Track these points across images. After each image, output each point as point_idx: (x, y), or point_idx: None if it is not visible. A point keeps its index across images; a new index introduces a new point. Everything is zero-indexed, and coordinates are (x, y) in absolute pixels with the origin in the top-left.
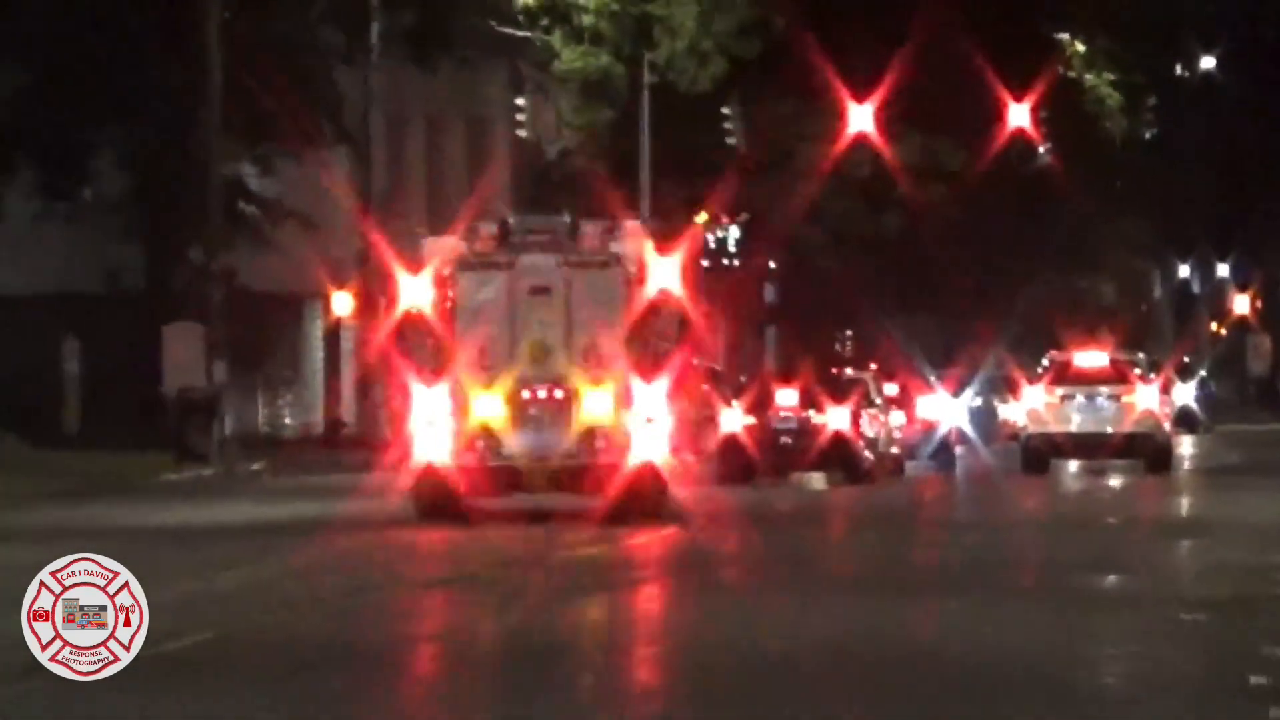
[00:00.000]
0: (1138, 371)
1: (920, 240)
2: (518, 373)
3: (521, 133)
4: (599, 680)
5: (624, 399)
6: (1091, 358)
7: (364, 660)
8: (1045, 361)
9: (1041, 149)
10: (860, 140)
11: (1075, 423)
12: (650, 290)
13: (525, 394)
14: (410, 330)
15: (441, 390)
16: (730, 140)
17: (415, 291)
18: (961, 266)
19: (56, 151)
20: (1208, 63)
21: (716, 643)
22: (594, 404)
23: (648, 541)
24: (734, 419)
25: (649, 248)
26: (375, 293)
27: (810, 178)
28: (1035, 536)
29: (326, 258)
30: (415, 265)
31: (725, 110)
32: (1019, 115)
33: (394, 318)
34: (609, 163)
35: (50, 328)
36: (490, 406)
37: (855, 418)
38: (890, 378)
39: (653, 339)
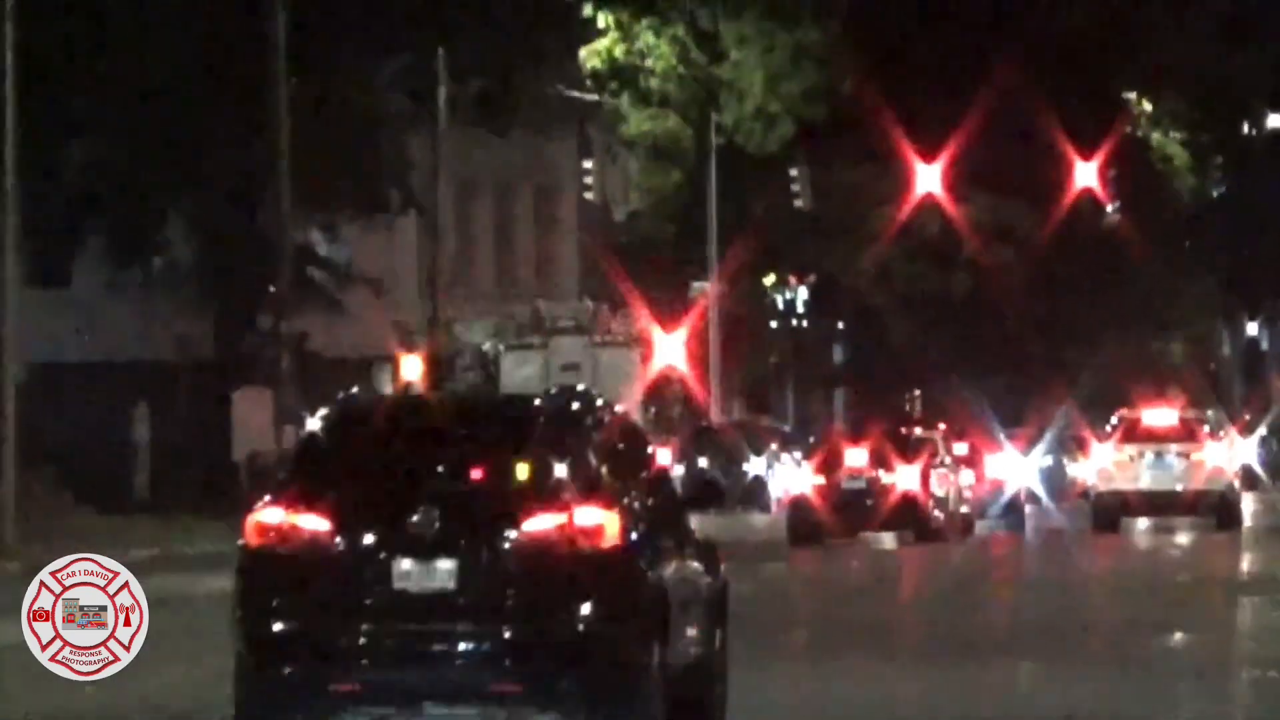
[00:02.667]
0: (1207, 429)
1: (989, 301)
2: None
3: (590, 196)
4: None
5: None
6: (1161, 415)
7: None
8: (1114, 419)
9: (1109, 208)
10: (928, 201)
11: (1145, 480)
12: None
13: None
14: None
15: None
16: (798, 202)
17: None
18: (1030, 327)
19: (127, 220)
20: (1275, 121)
21: (782, 709)
22: None
23: None
24: (803, 479)
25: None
26: (442, 356)
27: (878, 239)
28: (1105, 596)
29: (395, 322)
30: None
31: (793, 172)
32: (1086, 175)
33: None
34: (678, 225)
35: (121, 395)
36: None
37: (924, 477)
38: (959, 437)
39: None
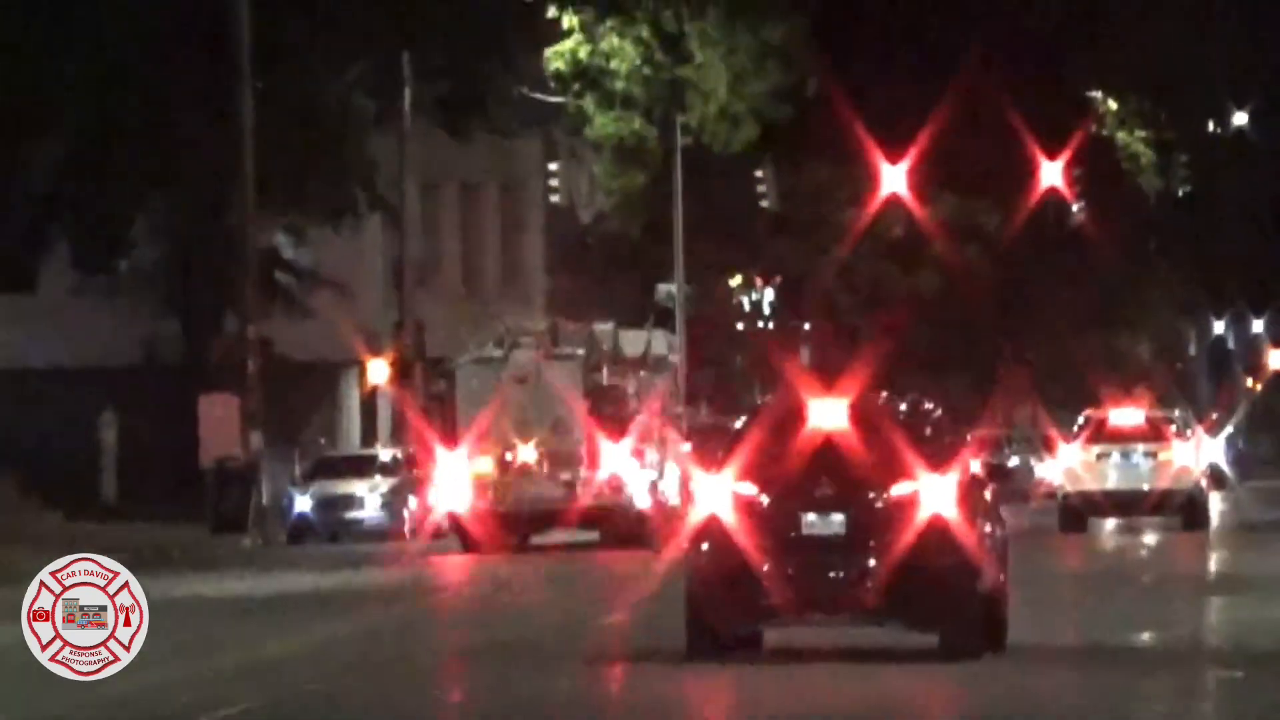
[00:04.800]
0: (1174, 428)
1: (955, 301)
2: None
3: (555, 198)
4: None
5: (595, 458)
6: (1127, 415)
7: None
8: (1081, 419)
9: (1075, 207)
10: (893, 201)
11: (1112, 480)
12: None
13: (508, 456)
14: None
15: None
16: (764, 203)
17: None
18: (996, 326)
19: (92, 224)
20: (1240, 119)
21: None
22: (565, 463)
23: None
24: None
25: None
26: (410, 359)
27: (844, 239)
28: (1071, 595)
29: (362, 325)
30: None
31: (758, 173)
32: (1052, 174)
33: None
34: (643, 227)
35: (87, 400)
36: (487, 466)
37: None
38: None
39: (619, 411)
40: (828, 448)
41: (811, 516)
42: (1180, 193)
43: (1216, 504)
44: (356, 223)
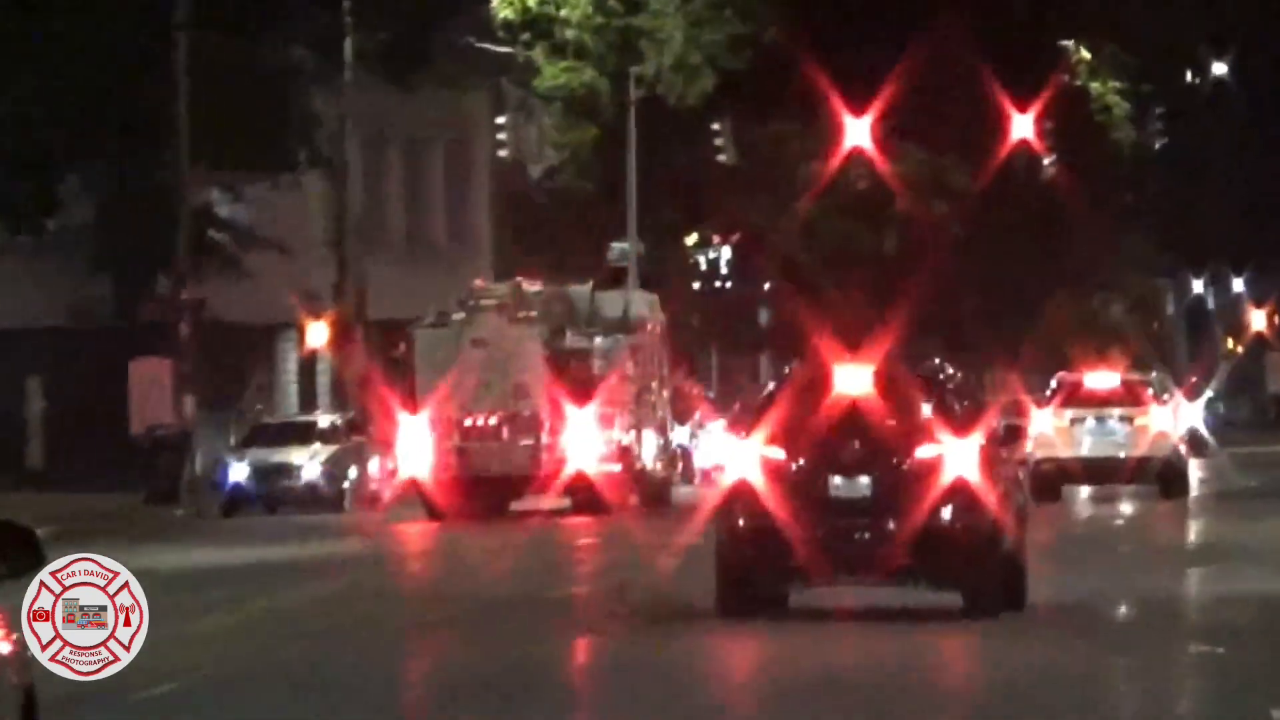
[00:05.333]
0: (1151, 392)
1: (922, 260)
2: (463, 406)
3: (504, 153)
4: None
5: (558, 423)
6: (1102, 378)
7: (348, 696)
8: (1054, 383)
9: (1047, 161)
10: (857, 155)
11: (1086, 447)
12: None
13: (469, 422)
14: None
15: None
16: (721, 157)
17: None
18: (965, 286)
19: (19, 181)
20: (1219, 69)
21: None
22: (527, 428)
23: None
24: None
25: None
26: (351, 322)
27: (805, 195)
28: (1045, 566)
29: (301, 287)
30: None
31: (715, 126)
32: (1023, 126)
33: None
34: (595, 182)
35: (12, 364)
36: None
37: None
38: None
39: (584, 375)
40: (854, 412)
41: (838, 480)
42: (1157, 146)
43: (1196, 471)
44: (296, 179)
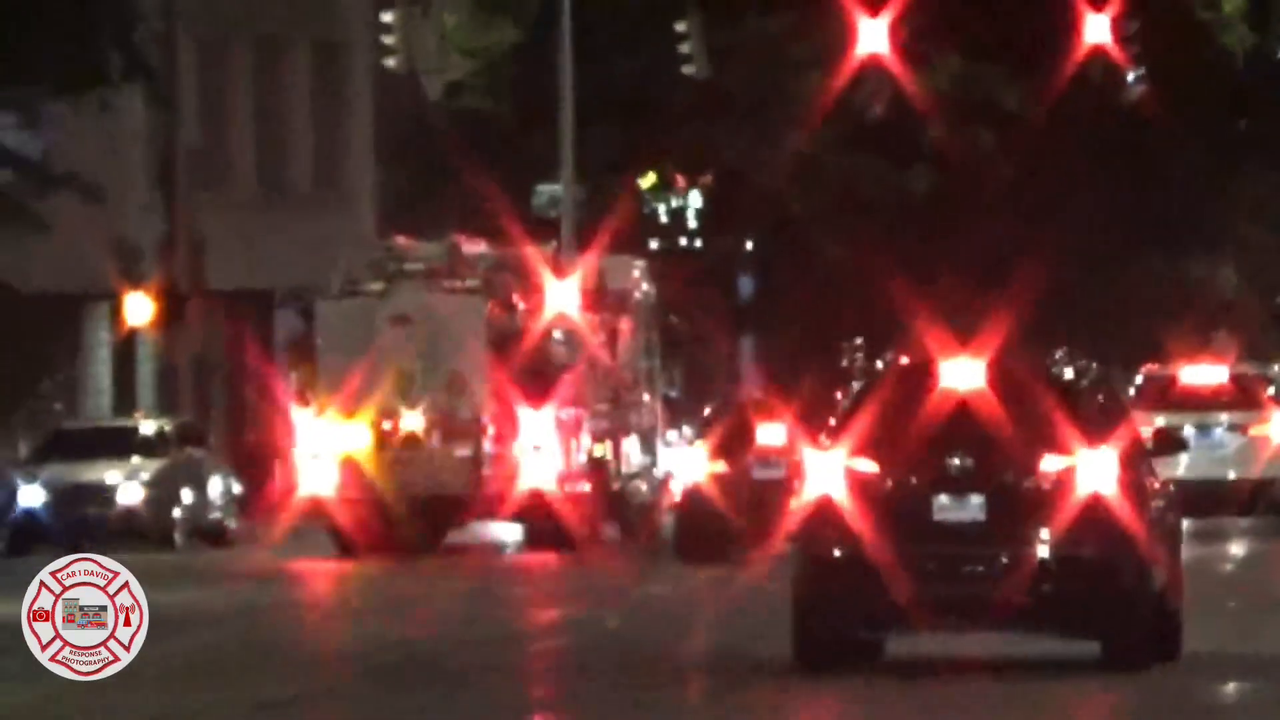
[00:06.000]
0: (1272, 392)
1: (961, 209)
2: (381, 404)
3: (390, 62)
4: None
5: (507, 428)
6: (1205, 373)
7: None
8: (1139, 379)
9: (1131, 76)
10: (873, 67)
11: (1182, 465)
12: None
13: (387, 425)
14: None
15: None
16: (688, 69)
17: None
18: (1021, 246)
19: None
20: None
21: None
22: (465, 434)
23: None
24: (697, 465)
25: (545, 271)
26: (184, 293)
27: (803, 121)
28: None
29: (117, 243)
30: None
31: (679, 26)
32: (1098, 28)
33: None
34: (516, 103)
35: None
36: (357, 438)
37: None
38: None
39: (541, 365)
40: (963, 416)
41: (944, 499)
42: None
43: None
44: (107, 97)
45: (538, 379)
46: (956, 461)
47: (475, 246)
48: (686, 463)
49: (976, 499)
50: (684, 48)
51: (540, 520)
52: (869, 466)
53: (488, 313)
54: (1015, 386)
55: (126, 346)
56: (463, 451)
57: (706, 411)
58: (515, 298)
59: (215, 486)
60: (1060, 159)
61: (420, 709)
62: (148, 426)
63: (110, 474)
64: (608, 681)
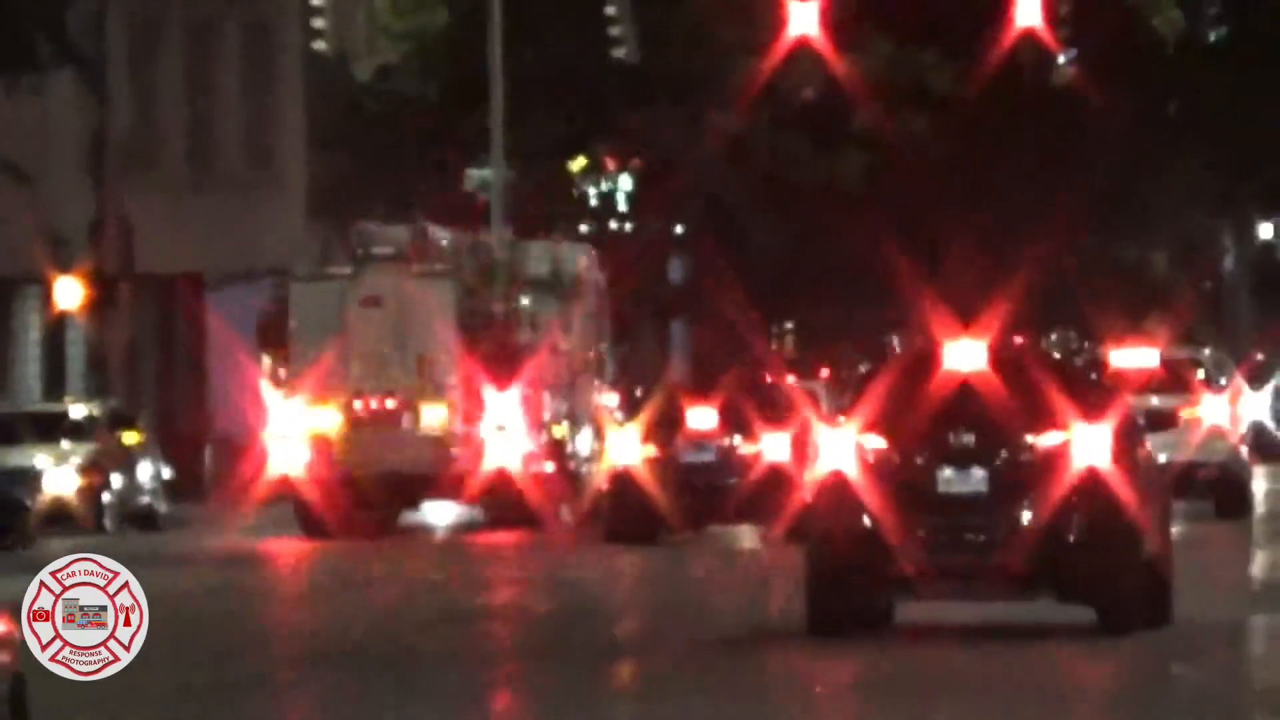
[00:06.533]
0: (1202, 375)
1: (892, 192)
2: (351, 385)
3: (320, 45)
4: None
5: (471, 407)
6: (1136, 356)
7: None
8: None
9: (1062, 58)
10: (803, 49)
11: None
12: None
13: (358, 405)
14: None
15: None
16: (618, 51)
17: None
18: (950, 228)
19: None
20: None
21: None
22: (430, 414)
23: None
24: (628, 449)
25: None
26: (113, 276)
27: (733, 104)
28: (1064, 610)
29: (45, 227)
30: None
31: (610, 10)
32: (1029, 11)
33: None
34: (447, 86)
35: None
36: (328, 419)
37: (800, 446)
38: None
39: (507, 347)
40: (965, 394)
41: (948, 472)
42: (1212, 37)
43: (1262, 481)
44: (36, 81)
45: (503, 361)
46: (960, 437)
47: (439, 231)
48: (617, 446)
49: (979, 472)
50: (615, 30)
51: (504, 499)
52: (878, 443)
53: (456, 296)
54: (1015, 365)
55: (56, 331)
56: (433, 431)
57: (637, 394)
58: (481, 281)
59: (145, 471)
60: (993, 142)
61: (344, 695)
62: (77, 411)
63: (39, 458)
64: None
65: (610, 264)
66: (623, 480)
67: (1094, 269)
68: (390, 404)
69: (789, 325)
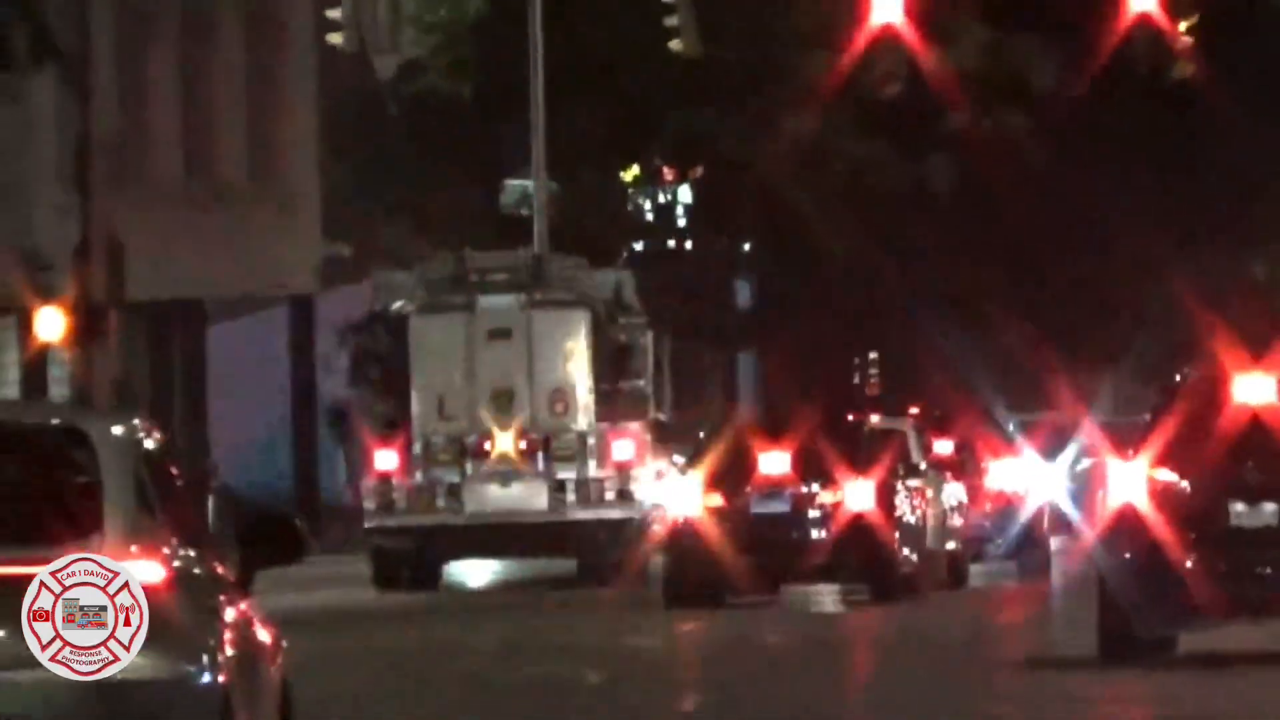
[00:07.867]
0: None
1: (988, 202)
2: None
3: (336, 39)
4: None
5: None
6: (1260, 386)
7: None
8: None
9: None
10: (887, 40)
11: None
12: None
13: (470, 440)
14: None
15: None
16: (676, 44)
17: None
18: (1055, 242)
19: None
20: None
21: None
22: (567, 455)
23: None
24: (689, 498)
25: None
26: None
27: (807, 103)
28: (1172, 688)
29: (25, 248)
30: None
31: None
32: None
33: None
34: (479, 85)
35: None
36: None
37: (885, 494)
38: (941, 428)
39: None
40: (1257, 428)
41: (1240, 506)
42: None
43: None
44: (15, 83)
45: (636, 400)
46: (1250, 472)
47: (561, 260)
48: (677, 495)
49: (1271, 506)
50: (671, 20)
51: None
52: (1168, 477)
53: (591, 327)
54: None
55: (37, 365)
56: (562, 473)
57: (700, 435)
58: (608, 311)
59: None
60: (1103, 144)
61: None
62: None
63: None
64: None
65: (666, 286)
66: (683, 534)
67: (1218, 288)
68: (523, 445)
69: (873, 355)
